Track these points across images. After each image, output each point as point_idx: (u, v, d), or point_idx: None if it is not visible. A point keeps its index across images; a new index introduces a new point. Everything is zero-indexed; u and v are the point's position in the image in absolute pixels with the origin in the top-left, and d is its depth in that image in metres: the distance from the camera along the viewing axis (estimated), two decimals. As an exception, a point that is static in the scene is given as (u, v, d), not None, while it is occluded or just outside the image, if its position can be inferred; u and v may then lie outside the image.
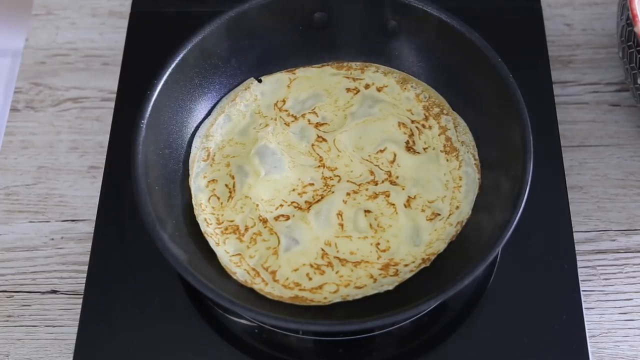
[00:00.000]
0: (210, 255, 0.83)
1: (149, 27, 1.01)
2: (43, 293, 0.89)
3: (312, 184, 0.87)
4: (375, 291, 0.81)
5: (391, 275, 0.82)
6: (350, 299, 0.81)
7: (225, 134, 0.90)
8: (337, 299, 0.80)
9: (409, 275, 0.82)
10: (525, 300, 0.84)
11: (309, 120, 0.91)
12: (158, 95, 0.85)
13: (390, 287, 0.81)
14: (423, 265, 0.82)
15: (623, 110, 0.99)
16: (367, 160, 0.89)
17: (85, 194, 0.94)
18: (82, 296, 0.85)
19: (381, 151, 0.89)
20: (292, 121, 0.91)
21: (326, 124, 0.91)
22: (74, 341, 0.83)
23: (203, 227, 0.84)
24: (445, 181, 0.87)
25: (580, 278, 0.85)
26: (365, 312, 0.79)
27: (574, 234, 0.88)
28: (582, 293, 0.84)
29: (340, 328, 0.79)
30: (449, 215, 0.85)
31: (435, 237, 0.84)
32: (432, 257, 0.82)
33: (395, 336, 0.83)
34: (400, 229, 0.84)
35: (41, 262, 0.90)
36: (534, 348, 0.82)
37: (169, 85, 0.86)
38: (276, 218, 0.85)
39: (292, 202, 0.86)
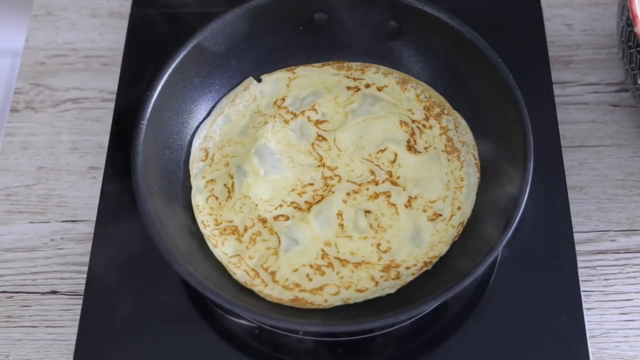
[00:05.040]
0: (210, 255, 0.83)
1: (149, 27, 1.01)
2: (43, 294, 0.89)
3: (311, 184, 0.87)
4: (377, 295, 0.81)
5: (392, 279, 0.82)
6: (351, 302, 0.80)
7: (225, 134, 0.90)
8: (337, 302, 0.80)
9: (410, 278, 0.82)
10: (525, 300, 0.84)
11: (308, 118, 0.91)
12: (158, 95, 0.85)
13: (392, 291, 0.81)
14: (425, 269, 0.82)
15: (623, 110, 0.99)
16: (367, 159, 0.88)
17: (85, 195, 0.94)
18: (82, 297, 0.85)
19: (382, 151, 0.89)
20: (292, 118, 0.91)
21: (326, 121, 0.91)
22: (74, 342, 0.83)
23: (201, 228, 0.84)
24: (447, 181, 0.87)
25: (580, 278, 0.85)
26: (365, 312, 0.79)
27: (574, 234, 0.88)
28: (582, 293, 0.84)
29: (340, 329, 0.79)
30: (451, 216, 0.85)
31: (437, 240, 0.83)
32: (434, 260, 0.82)
33: (395, 337, 0.83)
34: (401, 230, 0.84)
35: (41, 262, 0.90)
36: (534, 348, 0.82)
37: (169, 86, 0.86)
38: (275, 218, 0.85)
39: (292, 203, 0.86)
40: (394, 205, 0.85)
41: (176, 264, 0.77)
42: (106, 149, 0.94)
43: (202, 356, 0.82)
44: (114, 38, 1.05)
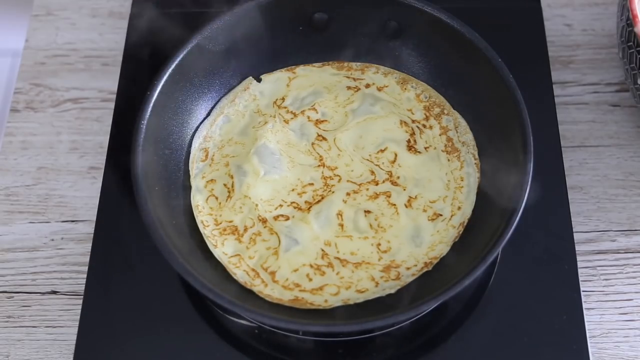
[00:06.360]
0: (211, 255, 0.83)
1: (149, 27, 1.01)
2: (43, 294, 0.89)
3: (311, 184, 0.87)
4: (377, 295, 0.81)
5: (393, 279, 0.81)
6: (351, 302, 0.80)
7: (225, 134, 0.91)
8: (337, 302, 0.80)
9: (410, 279, 0.81)
10: (525, 300, 0.84)
11: (308, 117, 0.91)
12: (158, 95, 0.85)
13: (392, 291, 0.81)
14: (425, 269, 0.82)
15: (623, 110, 0.99)
16: (367, 159, 0.88)
17: (85, 195, 0.94)
18: (82, 297, 0.85)
19: (382, 151, 0.89)
20: (292, 118, 0.91)
21: (326, 121, 0.91)
22: (74, 342, 0.83)
23: (200, 228, 0.84)
24: (447, 181, 0.87)
25: (580, 278, 0.85)
26: (365, 312, 0.79)
27: (574, 234, 0.88)
28: (582, 293, 0.84)
29: (340, 329, 0.79)
30: (451, 216, 0.85)
31: (437, 240, 0.83)
32: (435, 261, 0.82)
33: (395, 337, 0.83)
34: (401, 230, 0.84)
35: (41, 262, 0.90)
36: (534, 348, 0.82)
37: (169, 86, 0.86)
38: (275, 218, 0.85)
39: (292, 203, 0.86)
40: (394, 205, 0.85)
41: (176, 264, 0.77)
42: (106, 149, 0.94)
43: (202, 356, 0.82)
44: (114, 38, 1.05)
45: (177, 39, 0.88)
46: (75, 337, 0.83)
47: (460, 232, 0.84)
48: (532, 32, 1.00)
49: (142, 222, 0.78)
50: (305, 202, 0.86)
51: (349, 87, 0.93)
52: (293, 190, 0.87)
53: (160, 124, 0.86)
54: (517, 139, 0.81)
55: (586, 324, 0.83)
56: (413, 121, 0.91)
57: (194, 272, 0.77)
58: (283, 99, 0.93)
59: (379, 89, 0.93)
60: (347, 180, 0.87)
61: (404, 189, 0.87)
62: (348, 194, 0.86)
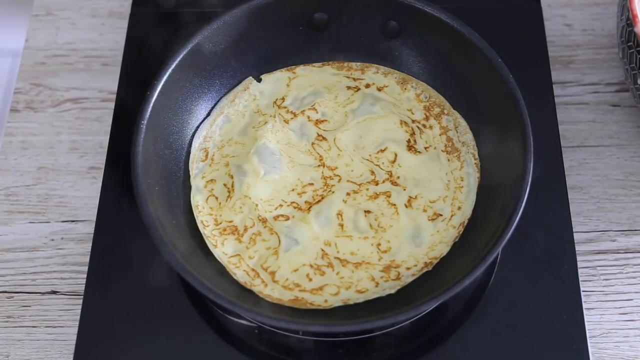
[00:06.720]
0: (210, 255, 0.83)
1: (149, 27, 1.01)
2: (43, 294, 0.89)
3: (311, 184, 0.87)
4: (377, 295, 0.81)
5: (393, 279, 0.81)
6: (351, 302, 0.80)
7: (225, 134, 0.91)
8: (338, 302, 0.80)
9: (411, 279, 0.81)
10: (525, 300, 0.84)
11: (308, 117, 0.91)
12: (158, 95, 0.85)
13: (392, 291, 0.81)
14: (425, 270, 0.82)
15: (623, 110, 0.99)
16: (367, 159, 0.88)
17: (85, 195, 0.94)
18: (82, 297, 0.85)
19: (382, 151, 0.89)
20: (292, 118, 0.91)
21: (326, 121, 0.91)
22: (74, 342, 0.83)
23: (200, 228, 0.84)
24: (447, 181, 0.87)
25: (580, 278, 0.85)
26: (365, 312, 0.79)
27: (574, 234, 0.88)
28: (582, 293, 0.84)
29: (340, 329, 0.79)
30: (451, 216, 0.85)
31: (437, 240, 0.83)
32: (435, 261, 0.82)
33: (395, 337, 0.83)
34: (401, 230, 0.84)
35: (41, 262, 0.90)
36: (534, 348, 0.82)
37: (169, 86, 0.86)
38: (275, 218, 0.85)
39: (292, 203, 0.86)
40: (394, 205, 0.85)
41: (176, 264, 0.77)
42: (106, 149, 0.94)
43: (202, 356, 0.82)
44: (114, 38, 1.05)
45: (177, 39, 0.88)
46: (75, 337, 0.83)
47: (460, 232, 0.84)
48: (532, 32, 1.00)
49: (142, 222, 0.78)
50: (305, 202, 0.86)
51: (349, 87, 0.93)
52: (293, 190, 0.87)
53: (160, 124, 0.86)
54: (517, 139, 0.81)
55: (586, 324, 0.83)
56: (413, 121, 0.91)
57: (194, 272, 0.77)
58: (283, 99, 0.93)
59: (379, 89, 0.93)
60: (347, 180, 0.87)
61: (404, 189, 0.87)
62: (348, 194, 0.86)
